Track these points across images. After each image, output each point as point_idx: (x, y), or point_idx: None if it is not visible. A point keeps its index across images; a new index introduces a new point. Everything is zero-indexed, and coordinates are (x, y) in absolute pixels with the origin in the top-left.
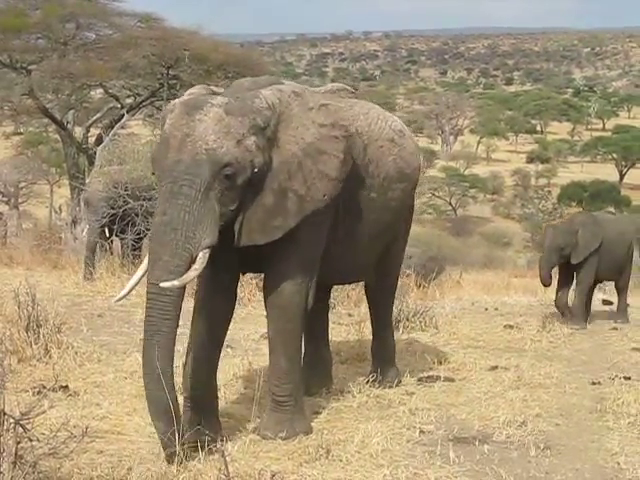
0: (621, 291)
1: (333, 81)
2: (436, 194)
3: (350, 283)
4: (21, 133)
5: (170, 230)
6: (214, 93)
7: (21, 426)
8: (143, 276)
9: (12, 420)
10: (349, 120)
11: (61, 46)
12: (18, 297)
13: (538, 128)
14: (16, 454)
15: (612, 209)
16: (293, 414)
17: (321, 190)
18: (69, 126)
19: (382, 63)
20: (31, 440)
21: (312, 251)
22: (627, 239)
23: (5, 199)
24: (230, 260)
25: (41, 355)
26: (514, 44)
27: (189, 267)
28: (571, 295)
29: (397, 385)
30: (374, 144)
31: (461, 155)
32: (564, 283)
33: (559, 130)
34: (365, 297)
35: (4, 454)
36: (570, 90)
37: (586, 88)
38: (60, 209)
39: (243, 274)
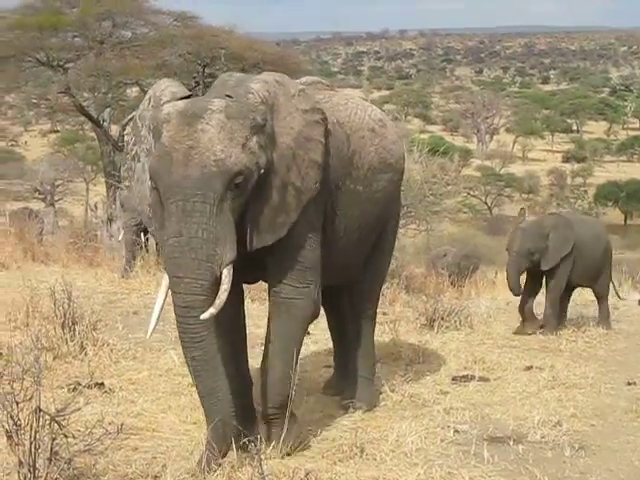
0: (601, 298)
1: (369, 80)
2: (472, 193)
3: (337, 284)
4: (57, 131)
5: (189, 251)
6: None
7: (57, 422)
8: (164, 302)
9: (48, 417)
10: (327, 108)
11: (97, 44)
12: (54, 294)
13: (574, 127)
14: (51, 450)
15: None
16: (285, 423)
17: (312, 178)
18: (105, 124)
19: (418, 62)
20: (66, 437)
21: (312, 252)
22: (603, 242)
23: (41, 197)
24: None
25: (77, 352)
26: (550, 43)
27: (215, 286)
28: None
29: (372, 409)
30: (356, 134)
31: (497, 154)
32: (531, 289)
33: (595, 129)
34: (345, 302)
35: (40, 450)
36: (607, 89)
37: (623, 87)
38: (96, 207)
39: (246, 283)
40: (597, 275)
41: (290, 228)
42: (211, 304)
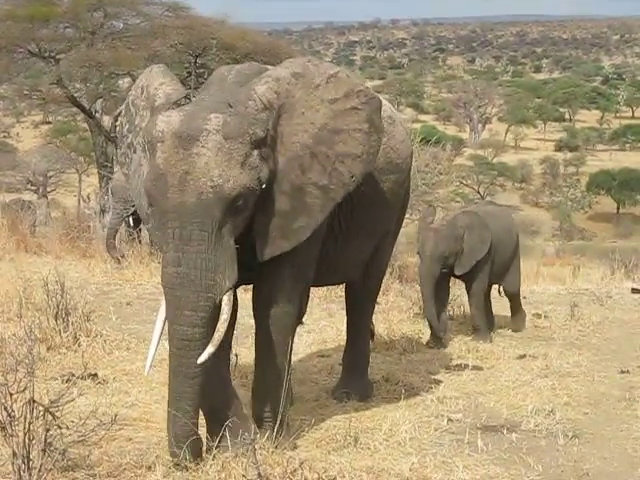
0: (513, 296)
1: (361, 70)
2: (464, 182)
3: (337, 284)
4: (50, 122)
5: (189, 283)
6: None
7: (50, 414)
8: (162, 333)
9: (42, 408)
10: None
11: (89, 35)
12: (47, 286)
13: (567, 116)
14: (45, 441)
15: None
16: (277, 431)
17: (346, 173)
18: (97, 115)
19: (410, 51)
20: (60, 428)
21: (307, 255)
22: (514, 235)
23: (34, 188)
24: None
25: (70, 343)
26: (543, 31)
27: (215, 315)
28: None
29: (366, 401)
30: None
31: (489, 143)
32: (441, 293)
33: (588, 118)
34: (345, 297)
35: (34, 441)
36: (599, 78)
37: (615, 76)
38: (88, 198)
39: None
40: (507, 271)
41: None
42: (211, 336)
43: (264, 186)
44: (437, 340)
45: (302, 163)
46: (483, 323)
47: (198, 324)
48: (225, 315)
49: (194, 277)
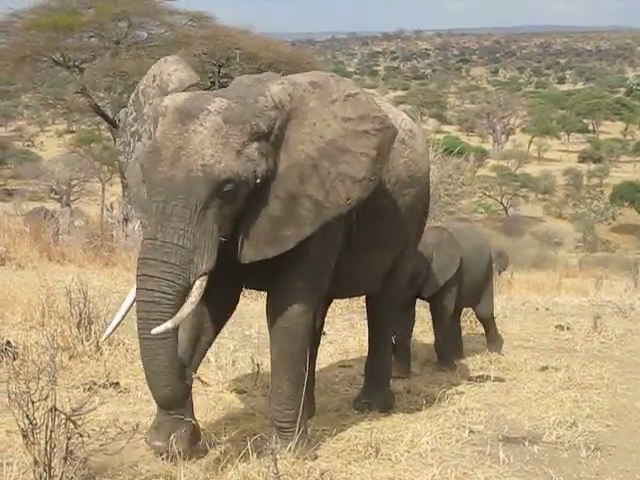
0: (487, 321)
1: (384, 80)
2: (487, 193)
3: (356, 296)
4: (73, 131)
5: (162, 254)
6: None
7: (72, 422)
8: (131, 307)
9: (63, 416)
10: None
11: (113, 44)
12: (70, 294)
13: (590, 127)
14: (67, 450)
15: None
16: (297, 441)
17: (343, 194)
18: (121, 124)
19: (433, 62)
20: (82, 436)
21: (322, 266)
22: (486, 254)
23: (57, 196)
24: (230, 274)
25: (92, 352)
26: (567, 42)
27: (184, 298)
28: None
29: (387, 412)
30: None
31: (512, 154)
32: (408, 318)
33: (611, 129)
34: (366, 308)
35: (55, 449)
36: (623, 89)
37: (639, 87)
38: (112, 207)
39: (246, 288)
40: (480, 293)
41: (302, 243)
42: (173, 314)
43: (258, 181)
44: (404, 369)
45: (302, 173)
46: (447, 350)
47: (167, 291)
48: (193, 298)
49: (168, 250)
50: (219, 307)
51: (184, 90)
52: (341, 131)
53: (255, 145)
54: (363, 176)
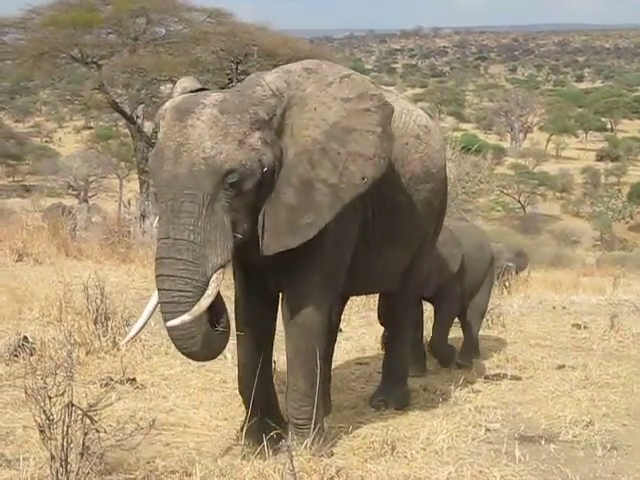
0: (469, 323)
1: (402, 78)
2: (505, 191)
3: (373, 293)
4: (91, 127)
5: (175, 252)
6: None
7: (89, 418)
8: (155, 309)
9: (80, 412)
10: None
11: (131, 41)
12: (87, 290)
13: (608, 126)
14: (83, 445)
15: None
16: (313, 438)
17: (357, 173)
18: (139, 120)
19: (451, 59)
20: (98, 432)
21: (337, 262)
22: (487, 252)
23: (75, 193)
24: (256, 281)
25: (109, 348)
26: (585, 41)
27: (202, 289)
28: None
29: (403, 410)
30: (399, 141)
31: (530, 152)
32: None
33: (630, 128)
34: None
35: (72, 445)
36: None
37: None
38: (129, 203)
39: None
40: (474, 294)
41: (317, 237)
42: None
43: (265, 170)
44: (420, 368)
45: (312, 158)
46: (448, 351)
47: (185, 289)
48: (210, 291)
49: (181, 247)
50: (268, 301)
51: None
52: (343, 112)
53: (257, 134)
54: (373, 153)
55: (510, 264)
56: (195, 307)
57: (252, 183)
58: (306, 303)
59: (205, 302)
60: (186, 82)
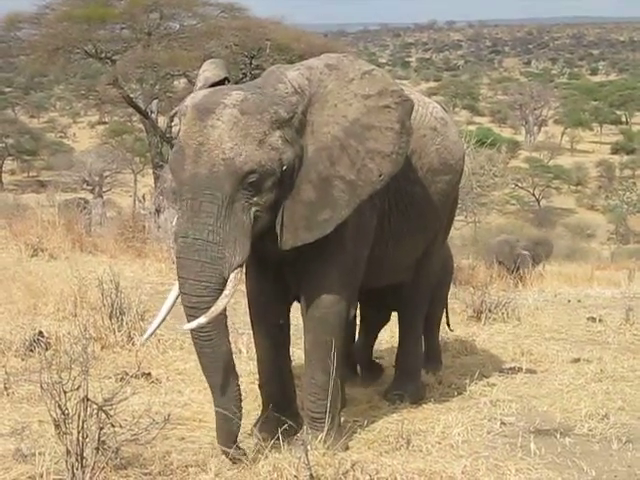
0: (432, 326)
1: (416, 71)
2: (519, 185)
3: (387, 285)
4: (106, 122)
5: (193, 252)
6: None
7: (104, 412)
8: (172, 307)
9: (95, 406)
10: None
11: (145, 36)
12: (102, 285)
13: (623, 119)
14: (99, 440)
15: None
16: (329, 431)
17: (375, 170)
18: (153, 115)
19: (466, 53)
20: (114, 426)
21: (356, 256)
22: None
23: (90, 188)
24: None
25: (124, 342)
26: (599, 34)
27: (222, 288)
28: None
29: (418, 403)
30: (416, 133)
31: (545, 146)
32: (373, 322)
33: None
34: (397, 299)
35: (87, 439)
36: None
37: None
38: (144, 198)
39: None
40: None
41: (336, 231)
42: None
43: (285, 168)
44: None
45: (331, 154)
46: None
47: (203, 293)
48: (227, 291)
49: (199, 247)
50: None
51: (208, 87)
52: (363, 109)
53: (278, 133)
54: (391, 150)
55: (525, 252)
56: (212, 308)
57: (272, 182)
58: (325, 297)
59: (222, 302)
60: (209, 71)
